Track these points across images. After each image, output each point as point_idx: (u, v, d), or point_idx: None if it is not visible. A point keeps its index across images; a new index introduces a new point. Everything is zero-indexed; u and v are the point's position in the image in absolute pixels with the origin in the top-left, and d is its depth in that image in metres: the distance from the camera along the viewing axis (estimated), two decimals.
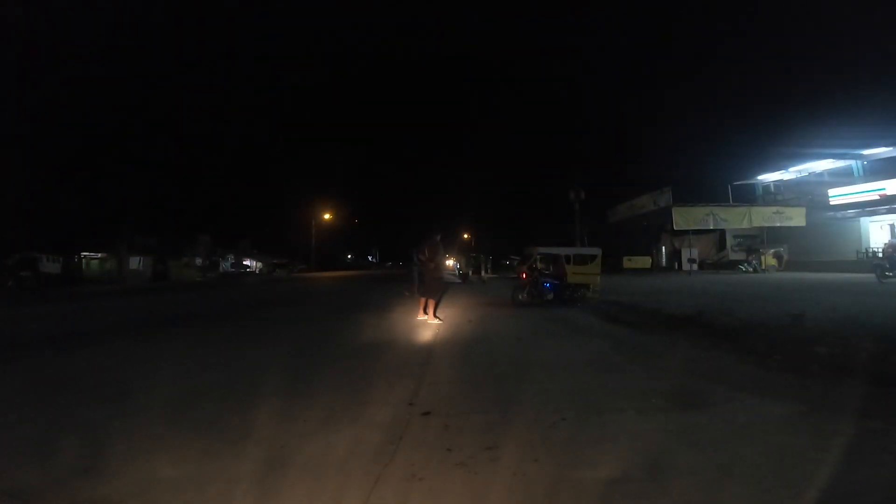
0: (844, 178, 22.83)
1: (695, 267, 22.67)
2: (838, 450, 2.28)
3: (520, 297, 10.17)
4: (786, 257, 23.22)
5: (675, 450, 2.37)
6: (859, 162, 22.33)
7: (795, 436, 2.54)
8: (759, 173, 26.41)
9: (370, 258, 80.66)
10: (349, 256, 68.17)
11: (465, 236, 50.69)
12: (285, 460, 2.27)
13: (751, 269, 21.90)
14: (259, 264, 45.39)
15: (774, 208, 24.06)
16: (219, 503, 1.91)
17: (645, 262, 28.19)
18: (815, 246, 22.47)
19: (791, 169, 24.84)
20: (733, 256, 25.84)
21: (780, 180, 26.43)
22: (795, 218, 23.04)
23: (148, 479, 2.10)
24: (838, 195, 21.89)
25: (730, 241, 27.34)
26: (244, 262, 43.72)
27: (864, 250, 19.67)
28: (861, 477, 2.06)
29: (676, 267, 25.84)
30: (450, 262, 25.71)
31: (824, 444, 2.39)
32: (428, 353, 5.03)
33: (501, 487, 2.00)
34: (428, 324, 7.05)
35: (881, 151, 20.49)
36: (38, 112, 27.21)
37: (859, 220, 21.27)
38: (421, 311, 7.44)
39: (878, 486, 1.99)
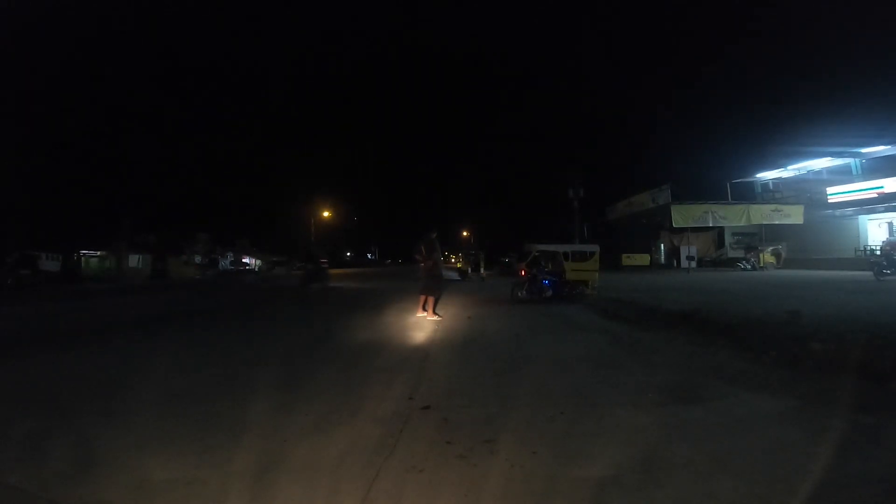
0: (843, 176, 22.84)
1: (693, 264, 22.71)
2: (831, 444, 2.31)
3: (519, 293, 10.21)
4: (784, 255, 23.27)
5: (670, 443, 2.41)
6: (858, 160, 22.36)
7: (789, 430, 2.58)
8: (758, 171, 26.40)
9: (369, 256, 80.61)
10: (348, 254, 68.11)
11: (465, 234, 50.73)
12: (287, 454, 2.29)
13: (749, 267, 21.94)
14: (258, 262, 45.38)
15: (773, 206, 24.12)
16: (221, 495, 1.94)
17: (644, 259, 28.23)
18: (814, 244, 22.52)
19: (790, 167, 24.83)
20: (732, 254, 25.89)
21: (779, 178, 26.42)
22: (794, 216, 23.10)
23: (146, 476, 2.09)
24: (837, 193, 21.91)
25: (728, 239, 27.39)
26: (243, 260, 43.69)
27: (862, 248, 19.69)
28: (853, 470, 2.08)
29: (675, 264, 25.85)
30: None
31: (818, 438, 2.42)
32: (427, 349, 5.06)
33: (500, 479, 2.04)
34: (427, 320, 7.08)
35: (879, 150, 20.49)
36: (37, 110, 27.14)
37: (857, 218, 21.31)
38: (420, 307, 7.47)
39: (870, 479, 2.02)
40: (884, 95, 22.07)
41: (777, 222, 23.49)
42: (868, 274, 13.57)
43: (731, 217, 23.84)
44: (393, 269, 46.92)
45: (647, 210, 27.34)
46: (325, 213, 50.33)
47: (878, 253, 14.49)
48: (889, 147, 19.96)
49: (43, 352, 5.10)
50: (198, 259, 35.11)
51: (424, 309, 7.39)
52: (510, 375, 3.89)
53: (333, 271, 20.50)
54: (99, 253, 29.29)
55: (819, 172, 24.54)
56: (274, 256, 46.36)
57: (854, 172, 22.58)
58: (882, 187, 19.57)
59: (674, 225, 23.91)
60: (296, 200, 50.14)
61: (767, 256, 22.76)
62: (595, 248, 11.25)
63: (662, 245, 30.22)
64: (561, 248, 11.14)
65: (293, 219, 48.64)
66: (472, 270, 22.28)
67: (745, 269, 21.73)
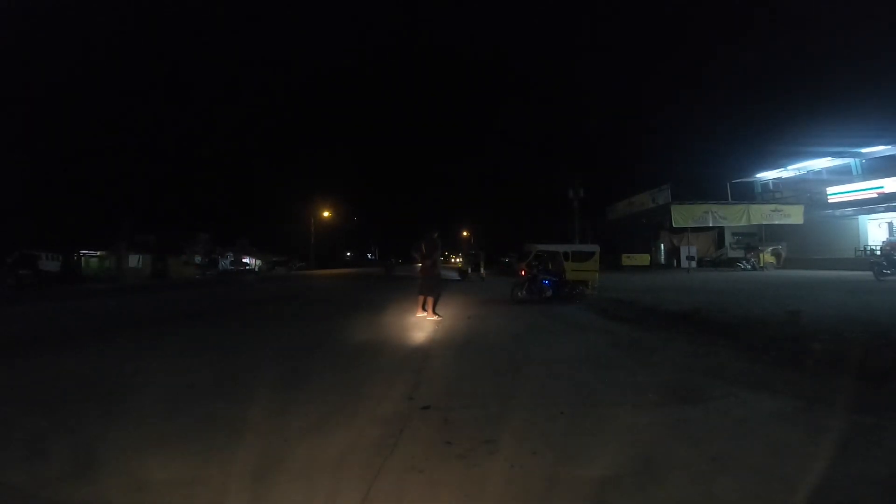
0: (843, 176, 22.87)
1: (693, 264, 22.72)
2: (831, 444, 2.31)
3: (519, 294, 10.21)
4: (784, 255, 23.29)
5: (670, 443, 2.41)
6: (858, 160, 22.37)
7: (789, 430, 2.58)
8: (758, 171, 26.42)
9: (369, 256, 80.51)
10: (348, 254, 68.07)
11: (465, 234, 50.83)
12: (287, 454, 2.29)
13: (749, 267, 21.97)
14: (258, 262, 45.38)
15: (773, 206, 24.12)
16: (221, 495, 1.93)
17: (644, 259, 28.25)
18: (814, 244, 22.54)
19: (790, 167, 24.85)
20: (732, 254, 25.94)
21: (779, 178, 26.45)
22: (794, 216, 23.11)
23: (146, 476, 2.08)
24: (837, 193, 21.92)
25: (728, 239, 27.44)
26: (243, 260, 43.67)
27: (862, 248, 19.72)
28: (853, 471, 2.08)
29: (675, 264, 25.88)
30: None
31: (818, 438, 2.42)
32: (427, 350, 5.06)
33: (500, 479, 2.04)
34: (427, 321, 7.08)
35: (880, 150, 20.51)
36: (37, 110, 27.16)
37: (857, 219, 21.33)
38: (420, 308, 7.47)
39: (870, 480, 2.01)
40: (884, 95, 22.08)
41: (777, 222, 23.50)
42: (868, 274, 13.58)
43: (731, 217, 23.85)
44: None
45: (647, 210, 27.36)
46: (326, 213, 50.43)
47: (878, 253, 14.50)
48: (889, 147, 19.97)
49: (43, 352, 5.09)
50: (198, 259, 35.13)
51: (424, 309, 7.39)
52: (510, 375, 3.89)
53: (330, 271, 20.47)
54: (99, 253, 29.29)
55: (819, 172, 24.56)
56: (274, 256, 46.36)
57: (854, 172, 22.59)
58: (882, 187, 19.58)
59: (674, 225, 23.93)
60: (296, 200, 50.17)
61: (767, 256, 22.78)
62: (595, 248, 11.28)
63: (662, 245, 30.26)
64: (561, 248, 11.17)
65: (293, 219, 48.73)
66: (472, 270, 22.28)
67: (745, 269, 21.76)
